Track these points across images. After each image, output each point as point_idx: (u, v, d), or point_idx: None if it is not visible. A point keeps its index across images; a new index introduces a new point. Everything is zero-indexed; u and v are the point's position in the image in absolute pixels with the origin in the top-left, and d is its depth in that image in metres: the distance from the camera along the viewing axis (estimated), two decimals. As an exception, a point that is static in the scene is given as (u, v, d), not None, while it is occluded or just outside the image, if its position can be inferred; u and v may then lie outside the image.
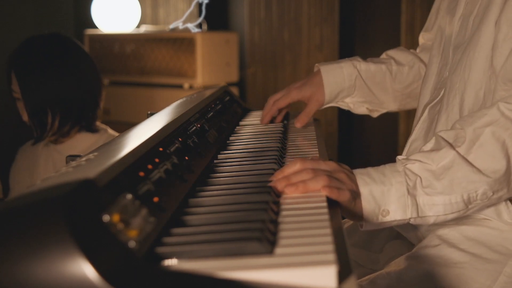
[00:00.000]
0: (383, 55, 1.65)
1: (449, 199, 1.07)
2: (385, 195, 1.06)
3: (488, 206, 1.15)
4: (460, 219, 1.20)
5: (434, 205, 1.07)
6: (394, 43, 3.37)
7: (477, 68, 1.20)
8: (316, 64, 1.62)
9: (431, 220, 1.09)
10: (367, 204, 1.06)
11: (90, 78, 2.07)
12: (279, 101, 1.59)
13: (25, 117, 2.02)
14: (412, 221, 1.09)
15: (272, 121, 1.64)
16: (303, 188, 1.00)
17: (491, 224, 1.20)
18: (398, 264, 1.19)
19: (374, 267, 1.33)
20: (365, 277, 1.18)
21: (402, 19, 3.27)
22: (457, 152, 1.07)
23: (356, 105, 1.64)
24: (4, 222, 0.68)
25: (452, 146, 1.08)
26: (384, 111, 1.67)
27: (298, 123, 1.58)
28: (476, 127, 1.09)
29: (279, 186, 1.02)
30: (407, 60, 1.61)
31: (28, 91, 1.97)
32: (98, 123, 2.14)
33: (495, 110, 1.09)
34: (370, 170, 1.09)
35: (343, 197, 1.02)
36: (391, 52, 1.63)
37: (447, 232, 1.20)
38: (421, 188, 1.06)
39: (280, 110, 1.63)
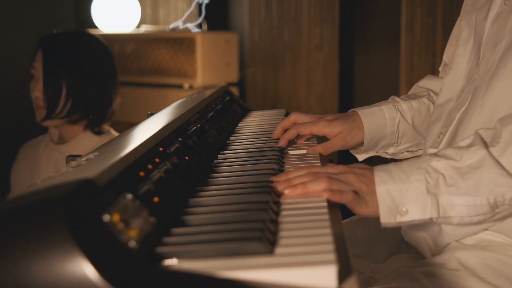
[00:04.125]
0: (416, 88, 1.51)
1: (473, 201, 1.01)
2: (403, 194, 1.02)
3: None
4: (480, 242, 1.15)
5: (457, 206, 1.02)
6: (394, 43, 3.37)
7: None
8: (352, 110, 1.43)
9: (455, 221, 1.03)
10: (384, 203, 1.02)
11: (107, 75, 2.13)
12: (301, 126, 1.37)
13: (35, 93, 2.05)
14: (434, 220, 1.04)
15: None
16: (302, 189, 1.00)
17: None
18: (410, 277, 1.12)
19: (376, 276, 1.29)
20: (373, 287, 1.12)
21: (402, 19, 3.27)
22: (489, 152, 1.02)
23: (400, 152, 1.50)
24: (4, 222, 0.68)
25: (486, 145, 1.03)
26: None
27: (310, 151, 1.34)
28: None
29: (279, 187, 1.01)
30: None
31: (51, 72, 2.03)
32: (103, 126, 2.15)
33: None
34: (391, 166, 1.05)
35: (346, 198, 1.01)
36: (423, 83, 1.50)
37: (467, 256, 1.13)
38: (444, 187, 1.02)
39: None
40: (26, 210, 0.69)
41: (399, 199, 1.02)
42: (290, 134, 1.37)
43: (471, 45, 1.28)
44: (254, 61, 3.84)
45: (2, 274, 0.65)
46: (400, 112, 1.43)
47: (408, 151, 1.50)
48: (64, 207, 0.67)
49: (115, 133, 2.17)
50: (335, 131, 1.37)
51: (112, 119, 2.17)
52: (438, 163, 1.03)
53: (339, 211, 0.98)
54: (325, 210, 0.91)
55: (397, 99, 1.45)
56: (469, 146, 1.04)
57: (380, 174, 1.04)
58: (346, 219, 1.49)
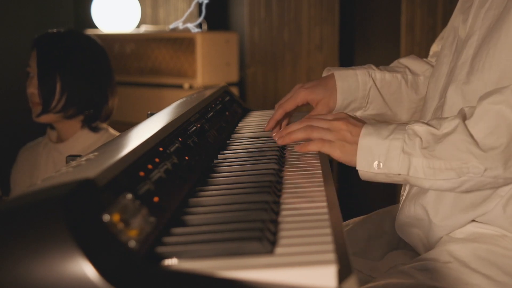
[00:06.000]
0: (395, 63, 1.56)
1: (439, 164, 1.08)
2: (380, 147, 1.12)
3: (489, 187, 1.13)
4: (471, 235, 1.19)
5: (426, 168, 1.09)
6: (394, 43, 3.37)
7: (499, 68, 1.16)
8: (328, 68, 1.51)
9: (426, 184, 1.11)
10: (361, 153, 1.13)
11: (101, 72, 2.17)
12: (285, 103, 1.43)
13: (30, 89, 2.09)
14: (402, 179, 1.12)
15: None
16: (287, 139, 1.22)
17: (504, 243, 1.16)
18: (404, 274, 1.16)
19: (374, 274, 1.31)
20: (369, 284, 1.14)
21: (402, 19, 3.27)
22: (463, 122, 1.09)
23: (366, 118, 1.54)
24: (4, 222, 0.68)
25: (463, 116, 1.10)
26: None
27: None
28: (486, 103, 1.09)
29: (275, 136, 1.24)
30: (422, 69, 1.51)
31: (44, 67, 2.07)
32: (100, 124, 2.17)
33: (508, 91, 1.08)
34: (382, 123, 1.17)
35: (315, 146, 1.17)
36: (404, 61, 1.54)
37: (458, 249, 1.17)
38: (419, 149, 1.10)
39: (287, 114, 1.47)
40: (26, 210, 0.69)
41: (375, 151, 1.12)
42: (278, 114, 1.44)
43: (454, 46, 1.32)
44: (254, 61, 3.84)
45: (2, 274, 0.65)
46: (372, 79, 1.48)
47: (374, 119, 1.55)
48: (64, 207, 0.67)
49: (112, 131, 2.19)
50: (318, 97, 1.44)
51: (109, 118, 2.19)
52: (419, 128, 1.11)
53: (339, 211, 0.98)
54: (325, 210, 0.91)
55: (373, 66, 1.51)
56: (453, 117, 1.12)
57: (368, 127, 1.15)
58: (347, 220, 1.50)
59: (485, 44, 1.19)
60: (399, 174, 1.12)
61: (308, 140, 1.21)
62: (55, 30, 2.16)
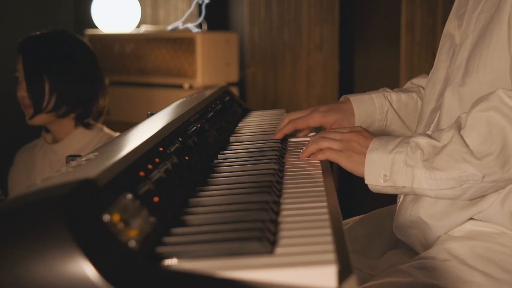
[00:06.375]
0: (408, 84, 1.58)
1: (440, 175, 1.12)
2: (384, 162, 1.16)
3: (492, 191, 1.15)
4: (469, 233, 1.19)
5: (429, 179, 1.13)
6: (394, 43, 3.37)
7: (492, 68, 1.18)
8: (344, 96, 1.53)
9: (431, 194, 1.15)
10: (368, 167, 1.18)
11: (88, 69, 2.17)
12: (297, 121, 1.45)
13: (20, 93, 2.10)
14: (408, 190, 1.16)
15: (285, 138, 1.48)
16: (303, 154, 1.27)
17: (502, 240, 1.17)
18: (403, 272, 1.16)
19: (373, 272, 1.31)
20: (367, 283, 1.15)
21: (402, 19, 3.27)
22: (458, 132, 1.12)
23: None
24: (4, 222, 0.68)
25: (459, 127, 1.14)
26: None
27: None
28: (476, 111, 1.12)
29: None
30: None
31: (31, 69, 2.08)
32: (94, 122, 2.18)
33: (495, 97, 1.11)
34: (391, 137, 1.20)
35: (328, 155, 1.22)
36: (416, 81, 1.56)
37: (456, 247, 1.19)
38: (421, 161, 1.14)
39: (296, 130, 1.49)
40: (26, 210, 0.69)
41: (380, 165, 1.17)
42: (287, 129, 1.45)
43: (452, 52, 1.34)
44: (254, 61, 3.84)
45: (2, 274, 0.65)
46: (389, 101, 1.50)
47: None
48: (64, 207, 0.67)
49: (107, 130, 2.20)
50: (331, 120, 1.46)
51: (101, 117, 2.20)
52: (422, 140, 1.15)
53: (339, 211, 0.98)
54: (325, 210, 0.91)
55: (387, 89, 1.53)
56: (449, 128, 1.15)
57: (375, 142, 1.19)
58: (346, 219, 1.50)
59: (478, 46, 1.21)
60: (404, 187, 1.16)
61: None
62: (38, 32, 2.17)
